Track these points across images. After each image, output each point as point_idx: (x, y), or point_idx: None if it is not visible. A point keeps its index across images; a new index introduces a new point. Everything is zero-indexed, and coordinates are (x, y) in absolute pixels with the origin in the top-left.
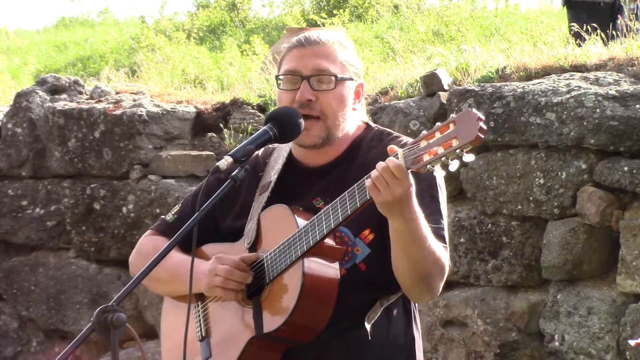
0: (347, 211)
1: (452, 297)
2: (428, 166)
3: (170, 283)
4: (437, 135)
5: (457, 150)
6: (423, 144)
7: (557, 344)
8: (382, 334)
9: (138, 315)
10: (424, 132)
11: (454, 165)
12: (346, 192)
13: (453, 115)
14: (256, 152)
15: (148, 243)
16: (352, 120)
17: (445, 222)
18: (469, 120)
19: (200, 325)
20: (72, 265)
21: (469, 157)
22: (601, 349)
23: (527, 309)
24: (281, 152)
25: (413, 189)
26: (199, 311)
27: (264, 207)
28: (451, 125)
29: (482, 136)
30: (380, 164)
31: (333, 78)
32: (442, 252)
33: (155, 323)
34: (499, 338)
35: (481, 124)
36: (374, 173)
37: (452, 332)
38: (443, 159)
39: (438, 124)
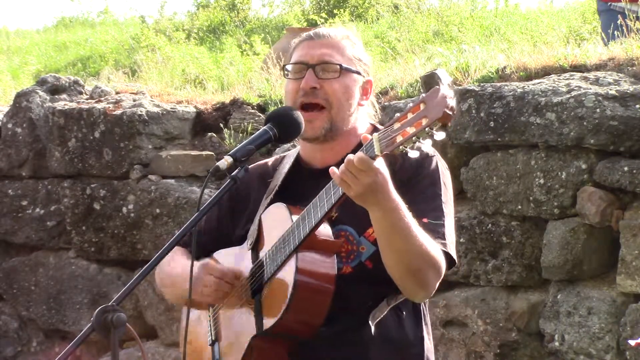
0: (332, 200)
1: (452, 297)
2: (401, 147)
3: (172, 288)
4: (410, 115)
5: (427, 129)
6: (396, 125)
7: (557, 344)
8: (390, 333)
9: (138, 315)
10: (397, 114)
11: (426, 145)
12: (331, 181)
13: (423, 94)
14: (266, 161)
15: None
16: (360, 117)
17: (448, 219)
18: (436, 98)
19: (211, 329)
20: (72, 265)
21: (440, 135)
22: (601, 349)
23: (527, 309)
24: (290, 158)
25: (387, 177)
26: (209, 315)
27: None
28: (421, 105)
29: (450, 113)
30: (349, 157)
31: (338, 67)
32: (435, 247)
33: (155, 323)
34: (499, 338)
35: (448, 100)
36: (340, 168)
37: (452, 332)
38: (414, 138)
39: (410, 104)
